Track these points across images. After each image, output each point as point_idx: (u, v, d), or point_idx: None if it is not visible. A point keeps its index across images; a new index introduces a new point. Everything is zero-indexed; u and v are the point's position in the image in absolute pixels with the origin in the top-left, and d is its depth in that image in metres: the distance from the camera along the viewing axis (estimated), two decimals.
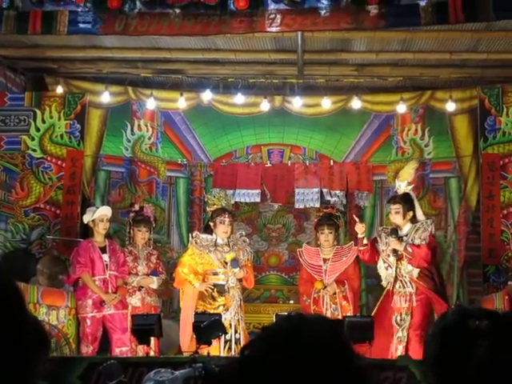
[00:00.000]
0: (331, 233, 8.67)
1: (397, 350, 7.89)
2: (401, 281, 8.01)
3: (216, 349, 7.44)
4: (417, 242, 7.98)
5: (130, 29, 7.09)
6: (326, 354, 1.47)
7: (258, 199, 10.38)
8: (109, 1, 6.88)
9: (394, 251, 8.03)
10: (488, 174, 9.71)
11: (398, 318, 7.99)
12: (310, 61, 9.76)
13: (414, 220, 8.16)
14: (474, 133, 10.01)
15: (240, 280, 8.49)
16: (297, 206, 10.36)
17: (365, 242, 8.31)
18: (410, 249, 7.91)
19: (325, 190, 10.26)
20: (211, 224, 8.52)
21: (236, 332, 8.22)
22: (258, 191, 10.35)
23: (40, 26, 7.09)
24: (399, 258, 8.01)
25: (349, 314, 8.23)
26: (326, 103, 10.05)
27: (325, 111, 10.25)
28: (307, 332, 1.50)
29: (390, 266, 8.07)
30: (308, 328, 1.51)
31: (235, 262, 8.36)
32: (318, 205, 10.07)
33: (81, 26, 7.04)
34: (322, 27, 7.11)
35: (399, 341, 7.94)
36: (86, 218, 8.73)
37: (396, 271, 8.00)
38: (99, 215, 8.62)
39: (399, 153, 10.44)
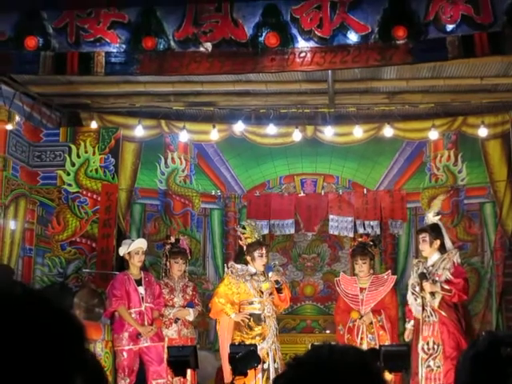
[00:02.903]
0: (365, 263, 8.85)
1: (427, 379, 8.03)
2: (426, 310, 8.20)
3: (252, 379, 7.60)
4: (440, 271, 8.16)
5: (165, 69, 7.35)
6: (354, 381, 1.51)
7: (292, 230, 10.56)
8: (143, 41, 7.17)
9: (431, 293, 8.20)
10: None
11: (425, 346, 8.11)
12: (340, 90, 9.92)
13: (442, 250, 8.33)
14: (507, 157, 10.08)
15: (278, 291, 8.61)
16: (331, 231, 10.51)
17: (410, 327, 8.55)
18: (446, 286, 8.08)
19: (358, 222, 10.40)
20: (248, 258, 8.64)
21: (274, 361, 8.35)
22: (292, 221, 10.51)
23: (78, 67, 7.35)
24: (422, 289, 8.19)
25: (386, 343, 8.39)
26: (358, 132, 10.13)
27: (357, 140, 10.37)
28: (335, 361, 1.54)
29: (417, 296, 8.25)
30: (336, 357, 1.55)
31: (269, 267, 8.60)
32: (351, 234, 10.25)
33: (117, 67, 7.32)
34: (351, 65, 7.27)
35: (429, 370, 8.06)
36: (122, 251, 8.91)
37: (423, 301, 8.18)
38: (135, 248, 8.81)
39: (433, 179, 10.57)
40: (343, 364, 1.54)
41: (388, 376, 7.07)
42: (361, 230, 10.23)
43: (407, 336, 8.55)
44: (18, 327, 1.06)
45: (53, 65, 7.38)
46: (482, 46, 6.95)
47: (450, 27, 7.00)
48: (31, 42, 7.29)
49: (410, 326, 8.53)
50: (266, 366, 8.21)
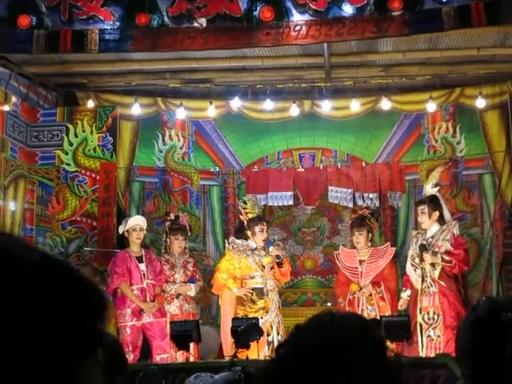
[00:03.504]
0: (362, 234, 8.90)
1: (428, 349, 8.10)
2: (426, 281, 8.24)
3: (254, 352, 7.63)
4: (440, 243, 8.20)
5: (159, 45, 7.31)
6: (354, 348, 1.49)
7: (290, 202, 10.50)
8: (137, 18, 7.12)
9: (432, 265, 8.24)
10: None
11: (426, 316, 8.21)
12: (337, 64, 9.84)
13: (441, 221, 8.37)
14: (505, 128, 10.03)
15: (278, 265, 8.69)
16: (331, 200, 10.47)
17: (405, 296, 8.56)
18: (447, 257, 8.12)
19: (357, 194, 10.36)
20: (249, 233, 8.71)
21: (278, 334, 8.43)
22: (291, 193, 10.46)
23: (71, 45, 7.31)
24: (422, 260, 8.22)
25: (386, 314, 8.45)
26: (355, 105, 10.09)
27: (354, 113, 10.32)
28: (336, 328, 1.53)
29: (416, 267, 8.29)
30: (337, 325, 1.55)
31: (269, 242, 8.70)
32: (351, 205, 10.28)
33: (111, 44, 7.27)
34: (347, 37, 7.22)
35: (430, 339, 8.14)
36: (121, 229, 8.99)
37: (422, 272, 8.22)
38: (132, 225, 8.86)
39: (431, 151, 10.54)
40: (345, 331, 1.53)
41: (390, 345, 7.11)
42: (360, 203, 10.21)
43: (401, 305, 8.60)
44: (38, 296, 0.99)
45: (46, 43, 7.33)
46: (478, 16, 6.89)
47: None
48: (24, 21, 7.25)
49: (405, 295, 8.59)
50: (270, 338, 8.30)
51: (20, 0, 7.35)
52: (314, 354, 1.49)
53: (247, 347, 6.45)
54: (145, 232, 9.03)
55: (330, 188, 10.43)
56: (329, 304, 10.18)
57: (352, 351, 1.49)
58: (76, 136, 10.13)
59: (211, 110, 10.30)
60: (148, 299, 8.70)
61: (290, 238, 10.75)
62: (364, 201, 10.27)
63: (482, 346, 1.71)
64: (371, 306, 8.71)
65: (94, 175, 10.07)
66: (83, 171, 10.07)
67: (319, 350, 1.49)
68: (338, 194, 10.42)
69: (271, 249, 8.63)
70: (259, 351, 7.61)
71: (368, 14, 7.00)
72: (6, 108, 9.22)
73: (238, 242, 8.74)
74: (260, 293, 8.56)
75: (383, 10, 6.96)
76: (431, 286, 8.23)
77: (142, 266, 8.80)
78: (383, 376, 1.50)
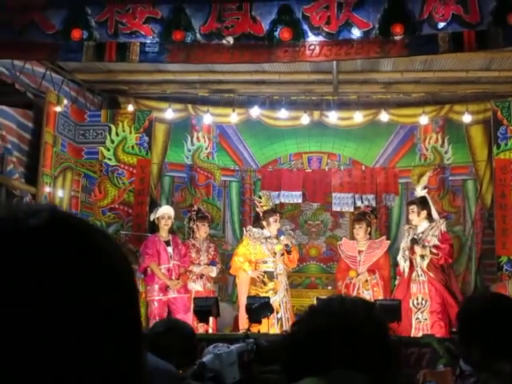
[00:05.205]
0: (361, 227, 8.87)
1: (417, 330, 8.07)
2: (417, 271, 8.20)
3: (265, 326, 7.56)
4: (429, 238, 8.17)
5: (191, 58, 7.26)
6: (358, 333, 1.50)
7: (299, 200, 10.47)
8: (173, 34, 7.06)
9: (421, 256, 8.21)
10: (500, 177, 9.60)
11: (415, 301, 8.19)
12: (343, 80, 9.78)
13: (430, 219, 8.35)
14: (487, 141, 9.93)
15: (287, 252, 8.64)
16: (334, 208, 10.43)
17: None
18: (434, 250, 8.09)
19: (357, 196, 10.31)
20: (264, 223, 8.71)
21: (286, 312, 8.42)
22: (300, 193, 10.44)
23: (115, 55, 7.25)
24: (412, 253, 8.18)
25: (379, 298, 8.37)
26: (358, 117, 10.05)
27: (357, 123, 10.26)
28: (346, 310, 1.54)
29: (406, 259, 8.26)
30: (346, 307, 1.55)
31: (281, 232, 8.66)
32: (352, 209, 10.21)
33: (150, 55, 7.22)
34: (355, 56, 7.14)
35: (418, 322, 8.12)
36: (152, 216, 9.06)
37: (412, 262, 8.19)
38: (162, 213, 8.90)
39: (422, 158, 10.46)
40: (353, 313, 1.53)
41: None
42: (359, 203, 10.16)
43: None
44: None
45: (94, 53, 7.28)
46: (469, 43, 6.80)
47: (441, 25, 6.84)
48: (76, 34, 7.21)
49: None
50: (279, 315, 8.28)
51: (73, 16, 7.31)
52: (323, 337, 1.48)
53: (259, 322, 6.40)
54: (172, 220, 9.04)
55: (333, 195, 10.38)
56: (329, 287, 10.13)
57: (357, 335, 1.48)
58: (117, 135, 10.12)
59: (234, 117, 10.28)
60: (174, 277, 8.72)
61: (297, 229, 10.68)
62: (362, 201, 10.20)
63: None
64: (366, 291, 8.65)
65: (131, 169, 10.06)
66: (122, 165, 10.06)
67: (328, 333, 1.48)
68: (340, 201, 10.36)
69: (282, 238, 8.61)
70: (269, 326, 7.56)
71: (373, 37, 6.92)
72: (58, 109, 9.24)
73: (255, 230, 8.75)
74: (271, 276, 8.55)
75: (386, 34, 6.87)
76: (421, 275, 8.20)
77: (170, 249, 8.81)
78: (385, 353, 1.50)
